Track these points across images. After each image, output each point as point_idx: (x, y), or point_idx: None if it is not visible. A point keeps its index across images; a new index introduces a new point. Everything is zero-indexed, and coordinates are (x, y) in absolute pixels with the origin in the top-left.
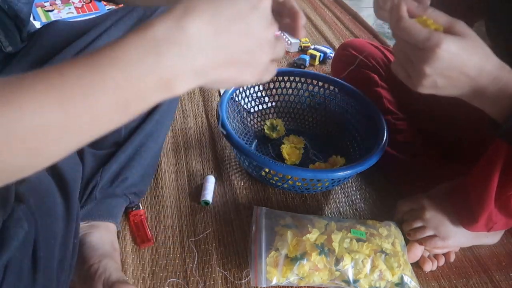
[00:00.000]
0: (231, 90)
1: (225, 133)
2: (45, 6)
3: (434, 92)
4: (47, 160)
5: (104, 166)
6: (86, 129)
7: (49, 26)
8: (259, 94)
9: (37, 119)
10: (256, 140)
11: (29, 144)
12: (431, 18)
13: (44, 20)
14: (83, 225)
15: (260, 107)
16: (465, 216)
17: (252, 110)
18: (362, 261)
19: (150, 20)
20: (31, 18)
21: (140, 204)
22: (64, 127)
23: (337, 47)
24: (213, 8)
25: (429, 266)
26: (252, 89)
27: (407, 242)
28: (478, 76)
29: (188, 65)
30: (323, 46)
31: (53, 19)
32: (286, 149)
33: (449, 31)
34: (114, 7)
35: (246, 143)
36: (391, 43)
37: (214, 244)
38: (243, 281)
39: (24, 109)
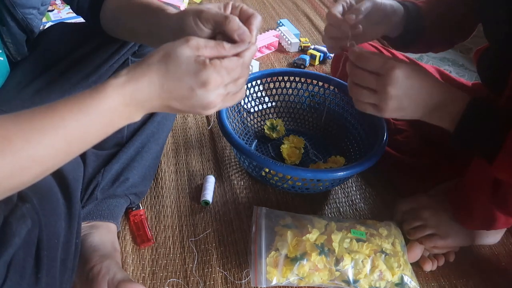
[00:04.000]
0: None
1: None
2: None
3: (400, 114)
4: (49, 172)
5: (106, 166)
6: (77, 150)
7: (51, 29)
8: (259, 94)
9: (47, 149)
10: (256, 140)
11: (44, 165)
12: None
13: (44, 20)
14: (84, 225)
15: (260, 107)
16: (464, 214)
17: (252, 110)
18: (362, 261)
19: (118, 74)
20: None
21: (140, 204)
22: (65, 151)
23: None
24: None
25: (429, 266)
26: (252, 89)
27: (407, 242)
28: (434, 88)
29: (141, 107)
30: (323, 46)
31: (53, 19)
32: (286, 149)
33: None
34: None
35: (246, 143)
36: None
37: (214, 244)
38: (243, 281)
39: (42, 142)
